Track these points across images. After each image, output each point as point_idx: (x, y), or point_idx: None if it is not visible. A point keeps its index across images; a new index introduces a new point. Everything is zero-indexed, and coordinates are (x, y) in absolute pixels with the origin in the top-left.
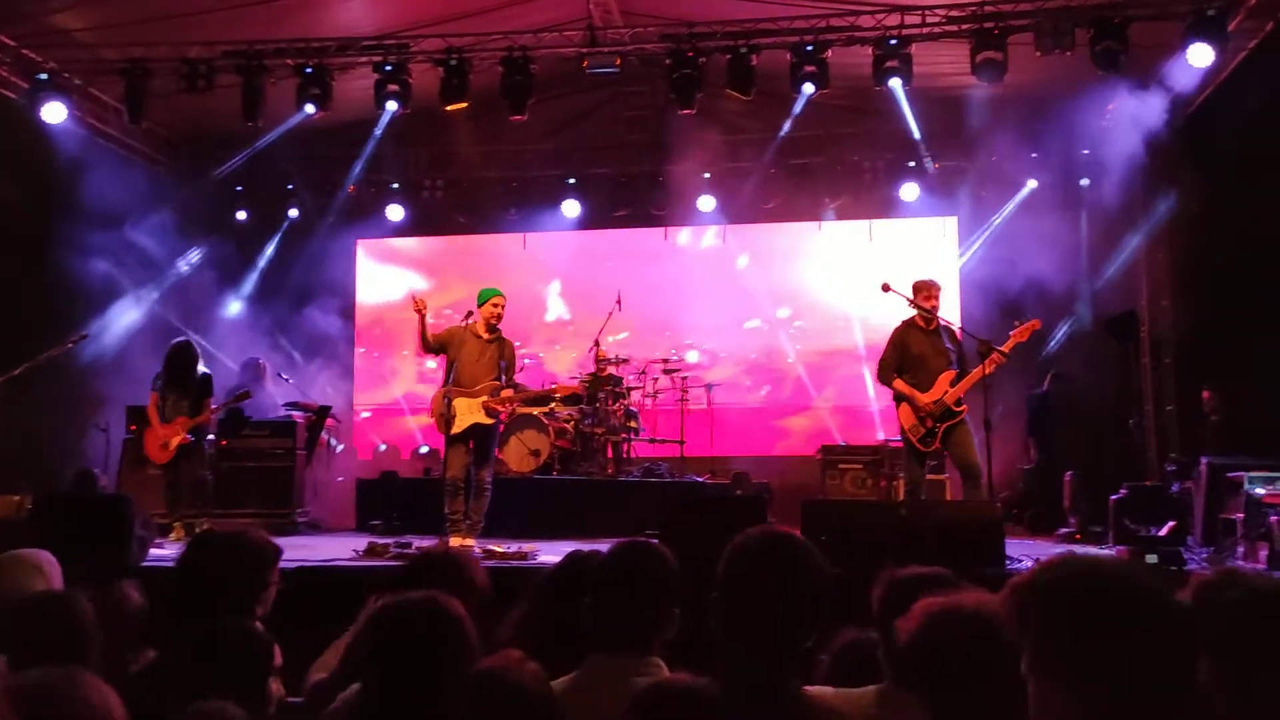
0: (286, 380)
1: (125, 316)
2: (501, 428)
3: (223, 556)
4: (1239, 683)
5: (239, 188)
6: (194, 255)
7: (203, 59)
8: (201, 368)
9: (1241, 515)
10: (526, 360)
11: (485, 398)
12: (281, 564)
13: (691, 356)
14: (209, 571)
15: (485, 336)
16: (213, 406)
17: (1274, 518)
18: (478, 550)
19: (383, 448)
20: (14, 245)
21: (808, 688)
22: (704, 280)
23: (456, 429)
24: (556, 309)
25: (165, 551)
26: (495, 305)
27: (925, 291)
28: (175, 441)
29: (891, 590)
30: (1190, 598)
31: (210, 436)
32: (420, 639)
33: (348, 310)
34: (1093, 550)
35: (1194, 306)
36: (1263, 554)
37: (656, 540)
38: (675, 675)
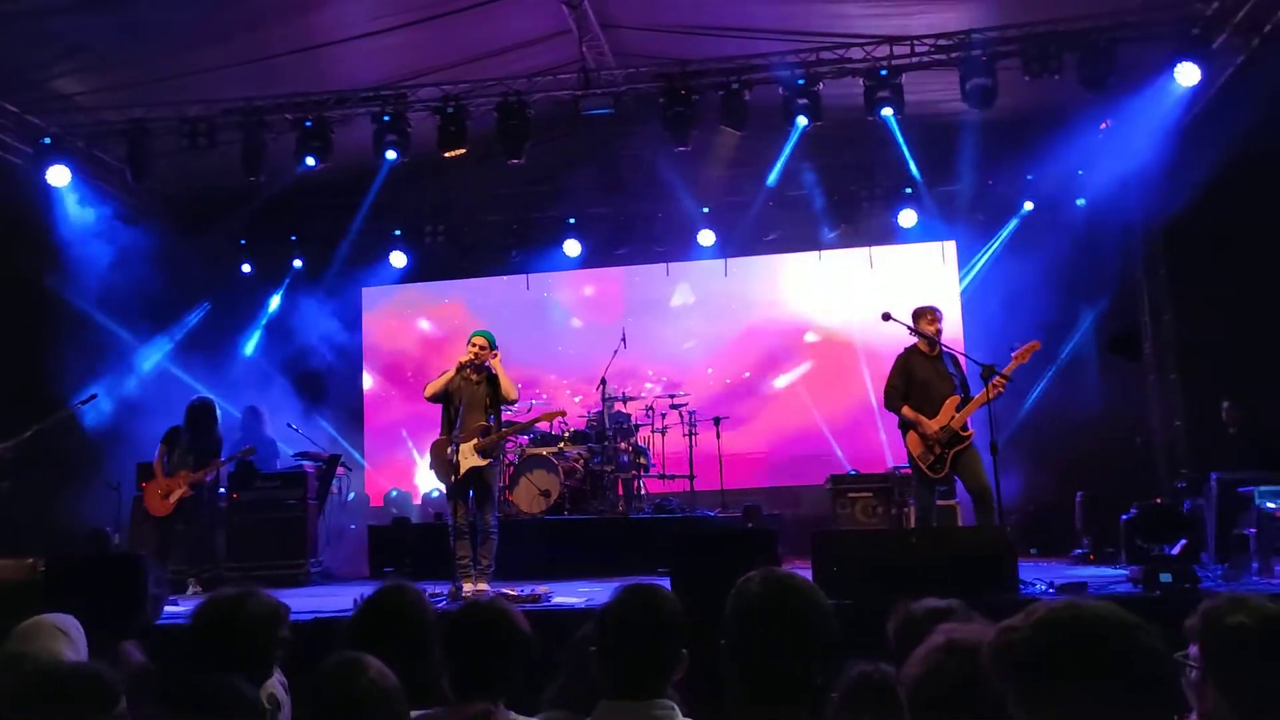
0: (296, 430)
1: (133, 374)
2: (511, 469)
3: (231, 618)
4: (1245, 709)
5: (243, 241)
6: (200, 310)
7: (202, 117)
8: (218, 429)
9: (1254, 530)
10: (533, 401)
11: (477, 439)
12: (294, 615)
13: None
14: (219, 633)
15: (474, 378)
16: (216, 469)
17: None
18: (490, 594)
19: (394, 494)
20: (21, 307)
21: None
22: (706, 314)
23: (456, 476)
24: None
25: (180, 608)
26: (472, 346)
27: (928, 317)
28: (176, 495)
29: (907, 623)
30: (1198, 623)
31: (221, 490)
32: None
33: (355, 358)
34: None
35: (1196, 320)
36: (1277, 568)
37: (668, 578)
38: None
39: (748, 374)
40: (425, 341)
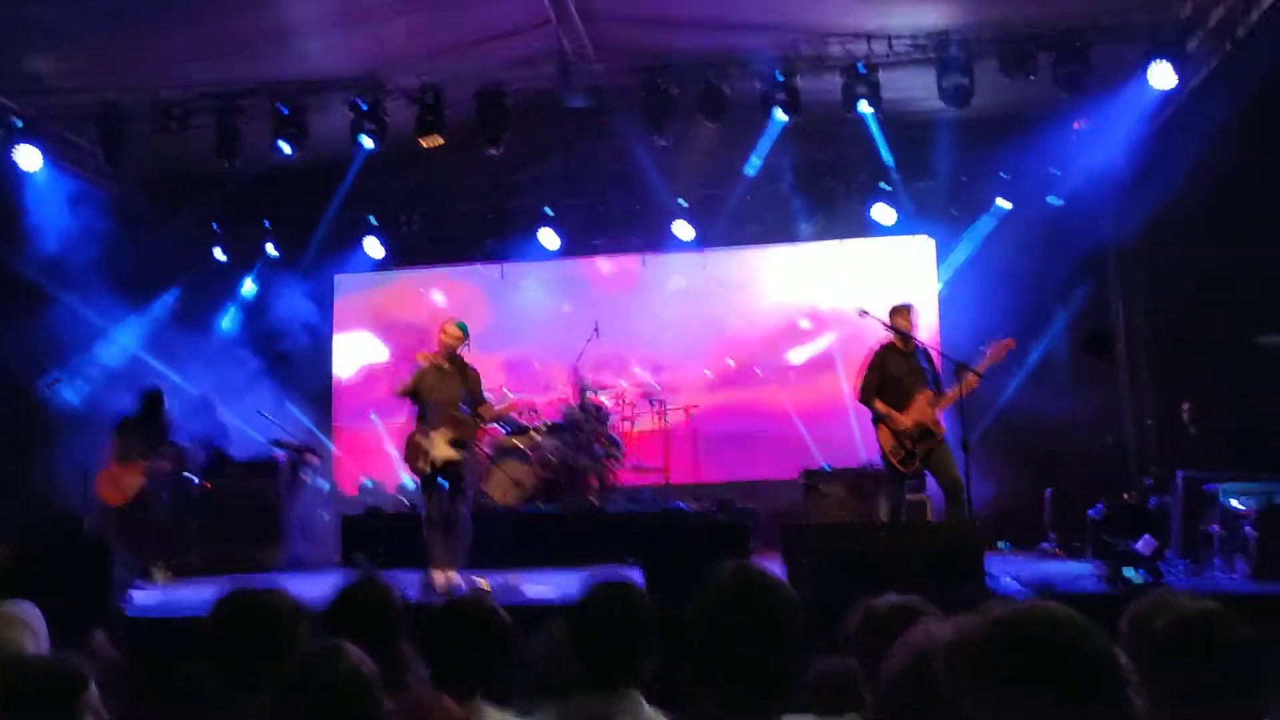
0: (267, 418)
1: (102, 357)
2: (488, 460)
3: (252, 619)
4: (1174, 711)
5: (215, 226)
6: (171, 295)
7: (176, 101)
8: (169, 416)
9: (1218, 528)
10: (506, 392)
11: (449, 431)
12: None
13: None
14: (238, 635)
15: (446, 368)
16: (169, 457)
17: (1249, 530)
18: (462, 585)
19: (368, 484)
20: None
21: (787, 716)
22: (682, 305)
23: (428, 466)
24: None
25: (146, 595)
26: (446, 335)
27: (903, 314)
28: (133, 484)
29: (868, 619)
30: (1125, 628)
31: (193, 478)
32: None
33: (327, 345)
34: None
35: (1168, 320)
36: (1240, 565)
37: (640, 568)
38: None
39: (721, 365)
40: (398, 329)
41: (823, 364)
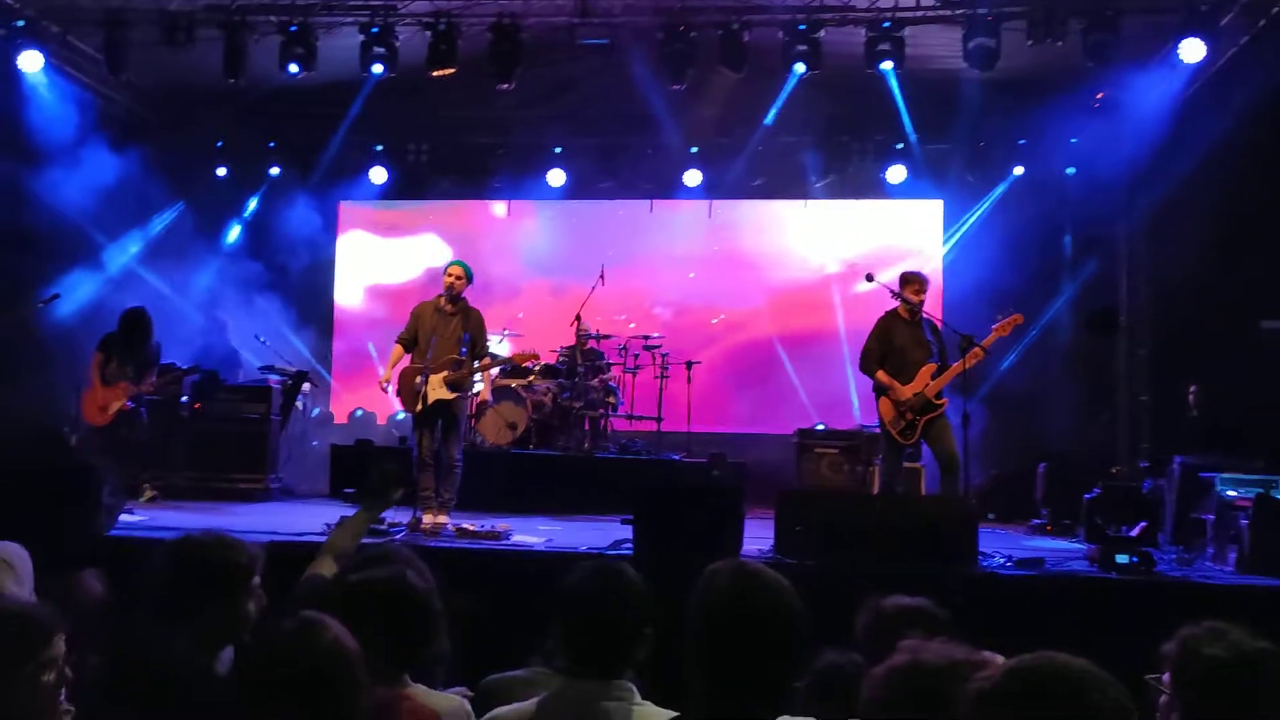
0: (263, 343)
1: (100, 273)
2: (486, 400)
3: (198, 570)
4: None
5: (219, 143)
6: (172, 211)
7: (183, 12)
8: (154, 338)
9: (1212, 517)
10: (506, 331)
11: (447, 372)
12: (250, 533)
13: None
14: (183, 584)
15: (448, 309)
16: (153, 380)
17: (1244, 521)
18: (450, 528)
19: (359, 413)
20: None
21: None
22: (687, 255)
23: (423, 406)
24: None
25: (136, 518)
26: (448, 275)
27: (914, 285)
28: (115, 406)
29: (877, 620)
30: (1175, 650)
31: (184, 399)
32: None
33: (328, 272)
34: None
35: (1174, 299)
36: (1232, 556)
37: (633, 527)
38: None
39: (722, 317)
40: (400, 260)
41: (825, 321)
